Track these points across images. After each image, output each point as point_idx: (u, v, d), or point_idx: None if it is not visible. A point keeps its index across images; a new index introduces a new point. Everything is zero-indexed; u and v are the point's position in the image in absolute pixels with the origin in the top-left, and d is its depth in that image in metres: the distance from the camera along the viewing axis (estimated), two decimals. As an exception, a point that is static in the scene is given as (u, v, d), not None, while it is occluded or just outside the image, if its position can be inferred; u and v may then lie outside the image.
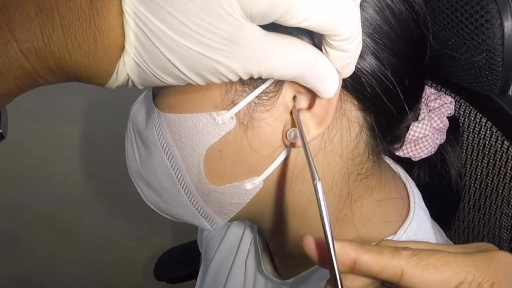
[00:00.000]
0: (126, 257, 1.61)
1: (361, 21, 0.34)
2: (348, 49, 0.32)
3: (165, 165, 0.42)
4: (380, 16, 0.38)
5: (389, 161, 0.53)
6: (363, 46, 0.35)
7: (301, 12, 0.29)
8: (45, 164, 1.37)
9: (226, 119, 0.38)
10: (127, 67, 0.30)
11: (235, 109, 0.37)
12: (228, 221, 0.46)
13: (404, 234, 0.45)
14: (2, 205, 1.37)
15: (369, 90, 0.39)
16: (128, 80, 0.31)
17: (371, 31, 0.38)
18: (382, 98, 0.40)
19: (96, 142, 1.40)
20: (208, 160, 0.40)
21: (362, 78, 0.38)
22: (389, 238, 0.45)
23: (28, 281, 1.52)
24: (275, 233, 0.50)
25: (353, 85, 0.39)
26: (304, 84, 0.35)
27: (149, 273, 1.13)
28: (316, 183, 0.30)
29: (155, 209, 0.49)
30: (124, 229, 1.56)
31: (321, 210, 0.29)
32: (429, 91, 0.54)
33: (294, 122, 0.39)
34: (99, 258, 1.59)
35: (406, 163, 0.54)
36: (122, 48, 0.29)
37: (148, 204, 0.49)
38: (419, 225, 0.46)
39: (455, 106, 0.58)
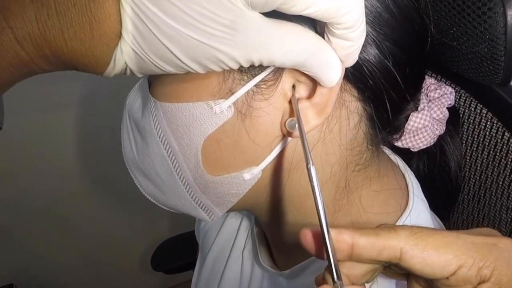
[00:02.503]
0: (124, 248, 1.61)
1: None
2: (352, 37, 0.32)
3: (162, 155, 0.42)
4: (381, 4, 0.37)
5: (388, 151, 0.53)
6: None
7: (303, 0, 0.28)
8: (40, 155, 1.36)
9: (223, 108, 0.37)
10: (124, 55, 0.29)
11: (233, 98, 0.37)
12: (226, 212, 0.45)
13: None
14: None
15: (370, 79, 0.38)
16: (126, 68, 0.31)
17: (372, 19, 0.37)
18: (382, 88, 0.39)
19: (92, 132, 1.40)
20: (205, 150, 0.39)
21: (363, 68, 0.38)
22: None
23: (24, 273, 1.52)
24: (273, 224, 0.49)
25: (353, 74, 0.38)
26: (306, 72, 0.34)
27: (147, 264, 1.13)
28: (310, 167, 0.29)
29: (152, 200, 0.48)
30: (121, 219, 1.55)
31: (315, 196, 0.29)
32: (429, 81, 0.54)
33: (293, 112, 0.38)
34: (96, 250, 1.59)
35: (406, 154, 0.53)
36: (119, 36, 0.29)
37: (145, 195, 0.48)
38: (418, 216, 0.46)
39: (455, 97, 0.58)
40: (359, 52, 0.34)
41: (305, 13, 0.29)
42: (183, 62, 0.30)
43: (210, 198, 0.43)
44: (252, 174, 0.40)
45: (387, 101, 0.40)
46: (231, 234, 0.62)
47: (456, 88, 0.58)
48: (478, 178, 0.57)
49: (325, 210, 0.28)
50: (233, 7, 0.27)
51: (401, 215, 0.45)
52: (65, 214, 1.48)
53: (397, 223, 0.45)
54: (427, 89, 0.53)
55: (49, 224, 1.47)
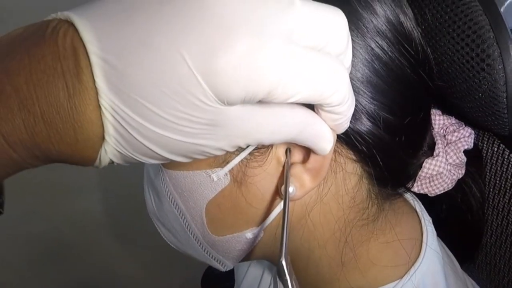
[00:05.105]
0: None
1: (350, 78, 0.33)
2: (340, 111, 0.32)
3: (174, 213, 0.44)
4: (370, 70, 0.38)
5: (408, 194, 0.52)
6: None
7: (284, 92, 0.28)
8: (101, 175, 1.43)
9: (220, 176, 0.39)
10: (109, 154, 0.31)
11: (228, 167, 0.38)
12: (241, 261, 0.47)
13: (410, 280, 0.44)
14: (58, 214, 1.45)
15: (362, 147, 0.39)
16: (113, 162, 0.32)
17: (363, 89, 0.37)
18: (377, 154, 0.39)
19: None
20: (208, 213, 0.42)
21: (355, 137, 0.38)
22: (395, 282, 0.44)
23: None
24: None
25: (346, 140, 0.39)
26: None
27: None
28: (282, 261, 0.29)
29: (174, 247, 0.51)
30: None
31: None
32: (448, 122, 0.52)
33: (289, 176, 0.39)
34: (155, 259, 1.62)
35: (427, 196, 0.52)
36: (103, 138, 0.30)
37: (168, 243, 0.51)
38: (428, 269, 0.45)
39: (478, 135, 0.56)
40: (349, 121, 0.34)
41: (289, 102, 0.29)
42: (167, 158, 0.31)
43: (219, 252, 0.45)
44: (254, 234, 0.42)
45: (385, 163, 0.40)
46: (256, 277, 0.64)
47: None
48: (500, 222, 0.55)
49: None
50: (209, 107, 0.28)
51: (410, 268, 0.45)
52: (127, 230, 1.54)
53: (405, 277, 0.44)
54: (445, 131, 0.51)
55: (110, 241, 1.53)
